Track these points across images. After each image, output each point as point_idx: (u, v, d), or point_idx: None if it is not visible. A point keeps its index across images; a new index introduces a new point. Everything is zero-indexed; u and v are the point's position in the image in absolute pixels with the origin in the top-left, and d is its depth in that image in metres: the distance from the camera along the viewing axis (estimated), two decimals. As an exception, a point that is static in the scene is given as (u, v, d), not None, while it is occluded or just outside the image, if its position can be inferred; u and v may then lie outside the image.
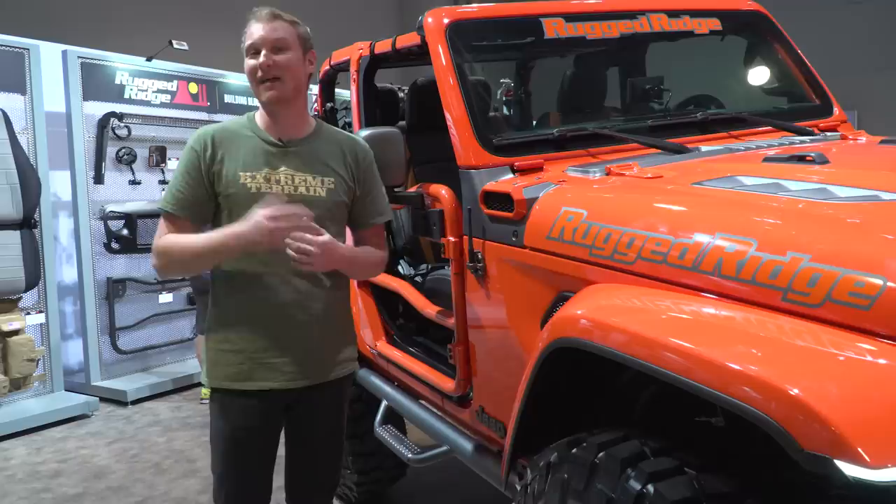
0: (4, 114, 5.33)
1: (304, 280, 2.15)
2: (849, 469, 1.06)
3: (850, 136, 2.65)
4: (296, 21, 2.18)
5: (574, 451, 1.61)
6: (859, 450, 1.05)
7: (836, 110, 3.00)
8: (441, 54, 2.54)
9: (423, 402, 3.00)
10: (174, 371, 6.41)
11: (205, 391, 5.83)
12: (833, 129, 2.88)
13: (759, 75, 3.22)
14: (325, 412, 2.31)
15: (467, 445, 2.56)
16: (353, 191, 2.25)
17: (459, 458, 2.67)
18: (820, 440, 1.09)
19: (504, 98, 4.92)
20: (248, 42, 2.13)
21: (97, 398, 5.77)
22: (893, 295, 1.27)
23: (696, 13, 2.99)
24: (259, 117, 2.23)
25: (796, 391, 1.13)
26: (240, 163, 2.14)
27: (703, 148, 2.50)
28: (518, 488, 1.89)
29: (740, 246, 1.52)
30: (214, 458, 2.27)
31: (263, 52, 2.09)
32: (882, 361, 1.20)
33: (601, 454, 1.52)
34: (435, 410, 2.86)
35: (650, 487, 1.38)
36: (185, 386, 6.24)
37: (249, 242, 2.01)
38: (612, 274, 1.79)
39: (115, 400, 5.89)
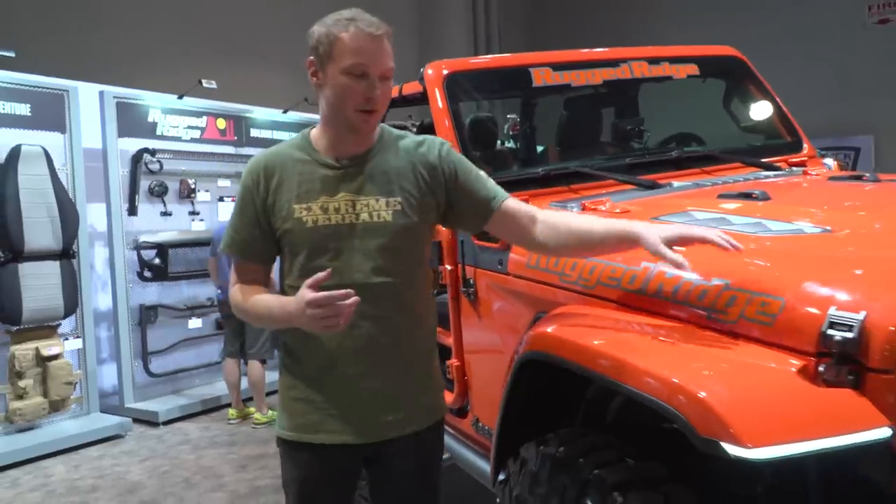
0: (46, 151, 5.71)
1: (374, 324, 1.87)
2: (732, 450, 1.32)
3: (811, 172, 2.91)
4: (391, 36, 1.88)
5: (541, 448, 1.88)
6: (740, 434, 1.32)
7: (805, 146, 3.27)
8: (438, 100, 2.86)
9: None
10: (203, 393, 6.73)
11: (231, 412, 6.15)
12: (802, 164, 3.15)
13: (737, 114, 3.50)
14: (408, 472, 2.02)
15: (466, 453, 2.83)
16: (431, 203, 1.94)
17: (460, 466, 2.94)
18: (712, 427, 1.35)
19: (511, 133, 5.24)
20: (353, 60, 1.79)
21: (131, 419, 6.10)
22: (791, 313, 1.54)
23: (675, 59, 3.28)
24: (318, 136, 1.95)
25: (695, 389, 1.40)
26: (293, 193, 1.89)
27: (676, 183, 2.78)
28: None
29: (677, 273, 1.80)
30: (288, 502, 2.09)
31: (376, 82, 1.82)
32: (768, 365, 1.48)
33: (561, 448, 1.80)
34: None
35: (596, 473, 1.65)
36: (213, 407, 6.55)
37: (297, 325, 1.79)
38: (578, 297, 2.07)
39: (148, 421, 6.22)
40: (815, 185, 2.62)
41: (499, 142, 4.72)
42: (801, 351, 1.50)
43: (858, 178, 2.54)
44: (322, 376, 1.92)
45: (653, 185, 2.72)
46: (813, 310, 1.51)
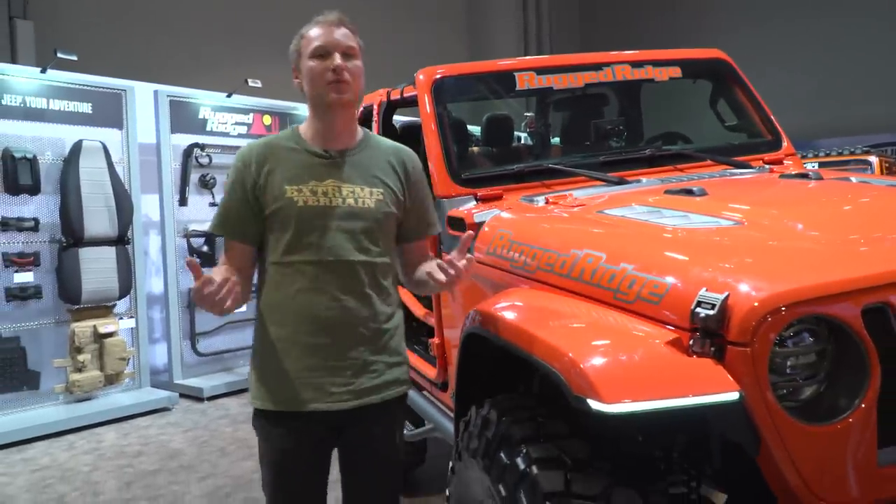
0: (104, 146, 6.21)
1: (353, 298, 2.10)
2: (595, 405, 1.58)
3: (776, 169, 3.09)
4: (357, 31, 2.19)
5: (480, 410, 2.16)
6: (602, 393, 1.57)
7: (784, 144, 3.44)
8: (426, 104, 3.13)
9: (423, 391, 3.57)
10: (246, 372, 7.06)
11: (269, 390, 6.55)
12: (779, 161, 3.32)
13: (722, 114, 3.67)
14: (376, 436, 2.23)
15: (445, 423, 3.11)
16: (402, 203, 2.22)
17: (443, 437, 3.22)
18: (582, 386, 1.61)
19: (528, 129, 5.49)
20: (314, 44, 2.10)
21: (178, 394, 6.58)
22: (673, 293, 1.78)
23: (658, 63, 3.48)
24: (305, 130, 2.21)
25: (574, 356, 1.66)
26: (285, 176, 2.11)
27: (644, 180, 2.99)
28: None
29: (595, 258, 2.05)
30: (263, 480, 2.26)
31: (337, 56, 2.08)
32: (646, 337, 1.72)
33: (490, 409, 2.07)
34: (427, 395, 3.43)
35: (510, 428, 1.92)
36: (254, 386, 6.97)
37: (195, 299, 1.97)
38: (524, 280, 2.34)
39: (194, 396, 6.70)
40: (761, 182, 2.81)
41: (516, 137, 4.99)
42: (678, 326, 1.74)
43: (804, 176, 2.72)
44: (302, 348, 2.10)
45: (620, 182, 2.95)
46: (688, 290, 1.74)
